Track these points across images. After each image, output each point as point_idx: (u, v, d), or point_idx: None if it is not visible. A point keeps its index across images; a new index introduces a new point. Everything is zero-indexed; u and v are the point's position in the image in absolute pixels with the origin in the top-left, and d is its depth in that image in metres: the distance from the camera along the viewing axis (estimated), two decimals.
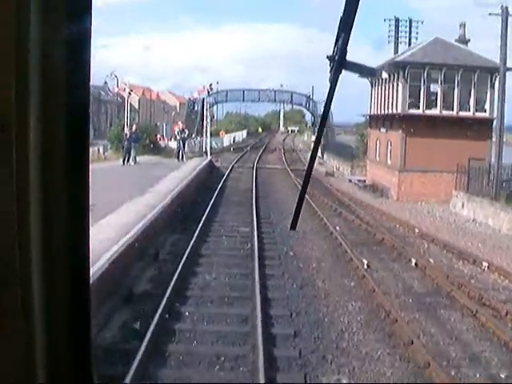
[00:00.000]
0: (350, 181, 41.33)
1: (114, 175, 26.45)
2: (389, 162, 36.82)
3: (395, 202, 33.51)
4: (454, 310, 13.70)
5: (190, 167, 34.77)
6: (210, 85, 52.18)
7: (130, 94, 50.73)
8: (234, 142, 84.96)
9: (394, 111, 35.57)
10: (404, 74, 34.01)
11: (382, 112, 38.46)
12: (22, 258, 1.22)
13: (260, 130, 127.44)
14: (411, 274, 16.85)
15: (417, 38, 45.49)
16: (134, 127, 37.08)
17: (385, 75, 36.11)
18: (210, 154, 51.22)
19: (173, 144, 55.72)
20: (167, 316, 12.23)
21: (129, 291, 13.54)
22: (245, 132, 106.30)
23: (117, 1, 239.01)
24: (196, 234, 19.44)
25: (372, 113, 41.57)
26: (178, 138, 40.95)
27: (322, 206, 28.12)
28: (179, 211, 22.56)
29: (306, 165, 2.18)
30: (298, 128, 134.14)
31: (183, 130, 41.55)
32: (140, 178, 26.28)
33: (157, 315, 11.72)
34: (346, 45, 1.73)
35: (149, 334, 10.79)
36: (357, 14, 1.66)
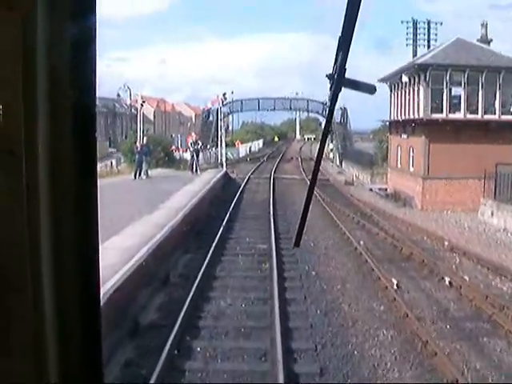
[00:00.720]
0: (371, 190, 39.78)
1: (124, 191, 25.18)
2: (411, 169, 35.24)
3: (420, 211, 31.93)
4: (498, 337, 12.20)
5: (205, 180, 33.41)
6: (224, 94, 50.61)
7: (142, 105, 49.51)
8: (249, 151, 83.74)
9: (416, 116, 33.98)
10: (425, 76, 32.40)
11: (403, 117, 36.85)
12: (32, 262, 1.23)
13: (276, 138, 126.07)
14: (446, 294, 15.36)
15: (436, 40, 44.23)
16: (144, 140, 35.63)
17: (405, 79, 34.53)
18: (226, 166, 49.94)
19: (188, 156, 54.65)
20: (176, 352, 10.89)
21: (134, 323, 12.21)
22: (261, 141, 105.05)
23: (134, 14, 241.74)
24: (210, 254, 18.17)
25: (392, 118, 39.94)
26: (191, 149, 39.53)
27: (343, 218, 26.69)
28: (192, 229, 21.19)
29: (309, 182, 2.28)
30: (314, 136, 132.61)
31: (197, 141, 40.04)
32: (151, 194, 24.89)
33: (165, 351, 10.42)
34: (345, 63, 1.76)
35: (155, 375, 9.49)
36: (354, 34, 1.69)
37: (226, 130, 79.15)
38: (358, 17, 1.65)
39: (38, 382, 1.28)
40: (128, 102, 54.74)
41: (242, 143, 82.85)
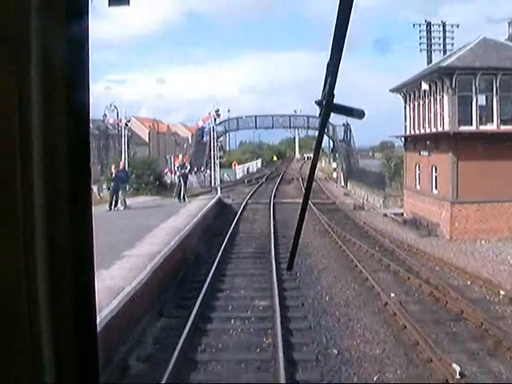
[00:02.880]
0: (386, 215, 34.74)
1: None
2: (434, 191, 30.14)
3: (449, 242, 26.84)
4: None
5: (193, 210, 28.28)
6: (217, 110, 45.30)
7: (127, 125, 44.70)
8: (247, 173, 79.10)
9: (440, 129, 28.94)
10: (451, 82, 27.31)
11: (423, 131, 31.87)
12: (27, 268, 1.23)
13: (275, 158, 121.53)
14: None
15: (452, 45, 39.68)
16: (121, 164, 30.03)
17: (425, 86, 29.58)
18: (220, 190, 45.01)
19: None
20: None
21: None
22: (259, 161, 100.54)
23: (131, 37, 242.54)
24: (192, 318, 13.29)
25: (408, 133, 34.87)
26: (177, 174, 34.06)
27: (360, 256, 21.81)
28: (170, 281, 16.26)
29: (301, 201, 2.32)
30: None
31: (184, 164, 34.62)
32: (120, 233, 19.57)
33: None
34: (333, 89, 1.78)
35: None
36: (341, 60, 1.70)
37: (221, 149, 74.40)
38: (346, 42, 1.66)
39: (33, 382, 1.24)
40: (111, 122, 49.43)
41: (239, 164, 78.30)
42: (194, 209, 28.79)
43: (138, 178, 43.38)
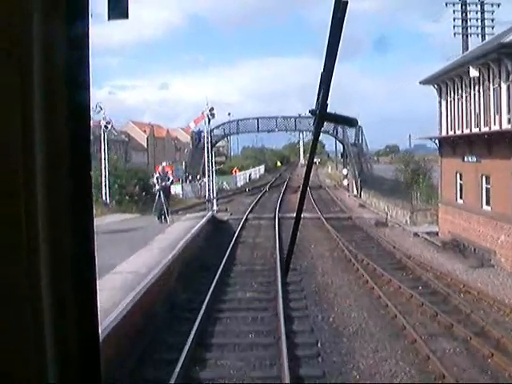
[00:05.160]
0: (417, 235, 28.25)
1: None
2: (486, 207, 23.59)
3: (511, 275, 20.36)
4: None
5: (175, 235, 21.54)
6: (211, 109, 38.42)
7: (106, 127, 38.55)
8: (249, 180, 73.32)
9: (495, 128, 22.47)
10: None
11: (467, 131, 25.35)
12: (31, 270, 1.22)
13: (279, 163, 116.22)
14: None
15: (493, 28, 33.41)
16: None
17: (474, 73, 23.13)
18: (217, 201, 38.68)
19: (177, 189, 44.46)
20: None
21: None
22: (262, 167, 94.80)
23: (133, 43, 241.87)
24: None
25: (445, 134, 28.27)
26: (157, 187, 27.32)
27: (404, 305, 15.69)
28: (122, 360, 9.79)
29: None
30: (319, 160, 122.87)
31: (166, 174, 27.75)
32: None
33: None
34: (326, 98, 1.81)
35: None
36: (334, 71, 1.74)
37: (221, 155, 68.49)
38: (338, 54, 1.70)
39: (36, 382, 1.23)
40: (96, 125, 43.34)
41: (240, 170, 72.28)
42: (177, 233, 22.15)
43: (121, 189, 37.25)
